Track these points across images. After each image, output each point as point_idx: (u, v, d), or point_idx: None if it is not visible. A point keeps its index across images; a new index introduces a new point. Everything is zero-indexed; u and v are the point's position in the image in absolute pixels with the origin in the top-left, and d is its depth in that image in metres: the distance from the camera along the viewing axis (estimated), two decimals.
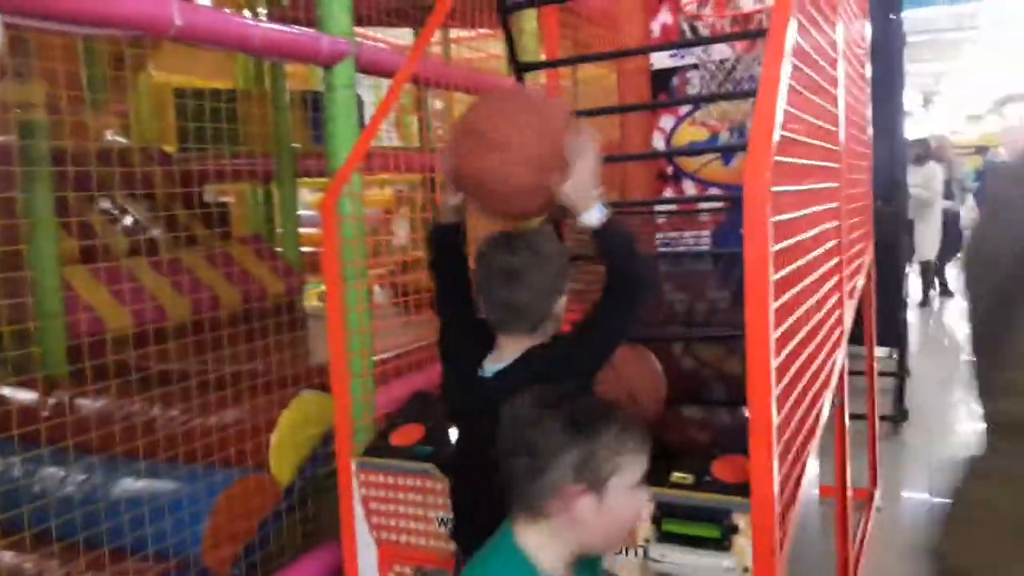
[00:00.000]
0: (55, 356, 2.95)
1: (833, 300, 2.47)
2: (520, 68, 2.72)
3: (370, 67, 2.51)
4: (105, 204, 3.77)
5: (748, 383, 1.58)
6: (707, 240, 3.68)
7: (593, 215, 1.58)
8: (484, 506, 1.46)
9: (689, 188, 3.92)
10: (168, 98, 6.09)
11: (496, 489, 1.32)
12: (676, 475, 1.74)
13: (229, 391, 2.39)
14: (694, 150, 3.75)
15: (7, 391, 2.72)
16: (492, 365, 1.65)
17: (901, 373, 4.80)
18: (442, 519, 1.94)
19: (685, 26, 3.76)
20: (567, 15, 3.53)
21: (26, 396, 2.73)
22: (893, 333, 4.71)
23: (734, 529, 1.66)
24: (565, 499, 1.19)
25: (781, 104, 1.73)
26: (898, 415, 4.67)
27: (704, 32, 3.71)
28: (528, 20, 3.59)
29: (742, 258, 1.67)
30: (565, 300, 1.68)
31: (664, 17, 3.94)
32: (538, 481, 1.20)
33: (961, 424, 4.80)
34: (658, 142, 3.96)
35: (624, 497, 1.22)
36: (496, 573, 1.25)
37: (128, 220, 3.71)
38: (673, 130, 3.94)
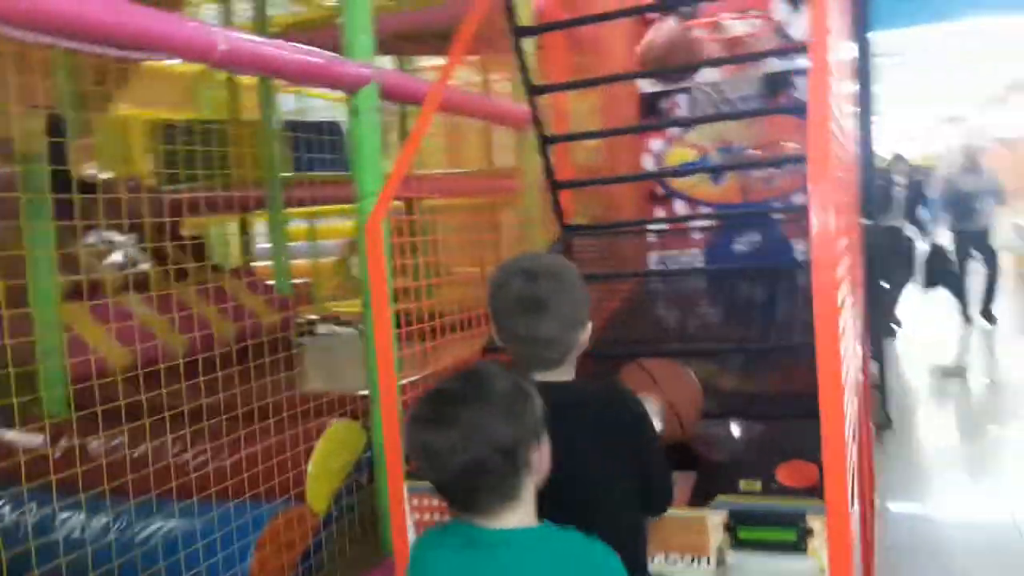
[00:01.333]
0: (57, 397, 2.85)
1: (852, 312, 2.53)
2: (532, 90, 2.76)
3: (392, 93, 2.52)
4: (92, 238, 3.67)
5: (821, 390, 1.60)
6: (699, 258, 3.73)
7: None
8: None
9: (680, 208, 3.99)
10: (136, 130, 6.01)
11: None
12: (744, 483, 1.76)
13: (257, 425, 2.34)
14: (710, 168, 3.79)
15: (12, 435, 2.61)
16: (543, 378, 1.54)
17: (883, 384, 4.95)
18: None
19: None
20: (558, 39, 3.57)
21: (30, 440, 2.62)
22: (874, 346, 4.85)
23: (809, 532, 1.68)
24: (532, 466, 1.22)
25: (829, 115, 1.78)
26: (884, 421, 4.83)
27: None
28: (527, 44, 3.63)
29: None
30: (589, 328, 1.59)
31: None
32: (513, 468, 1.20)
33: (932, 434, 4.97)
34: (648, 164, 4.04)
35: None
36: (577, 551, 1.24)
37: (118, 255, 3.62)
38: (663, 152, 4.02)
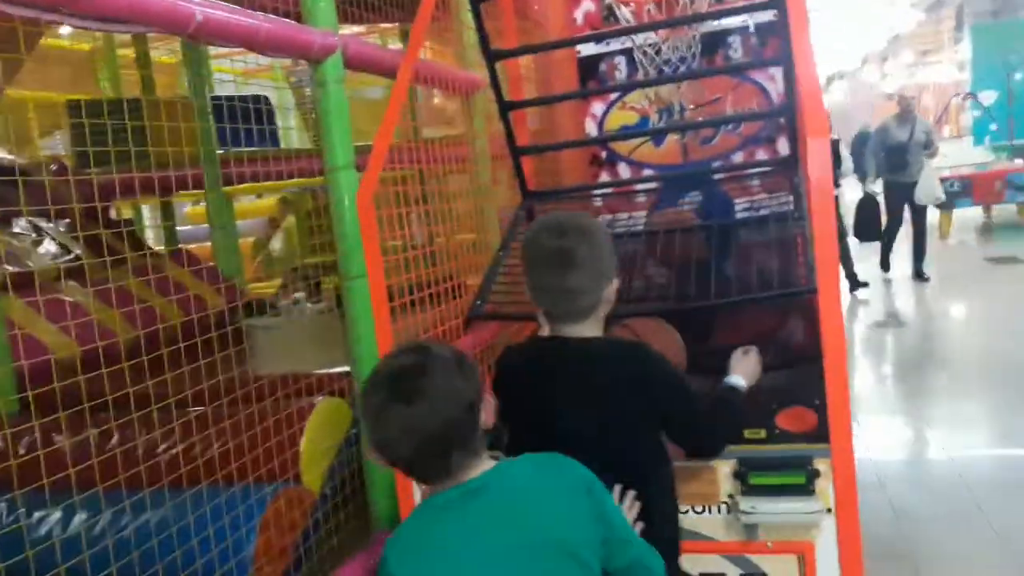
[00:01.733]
0: (8, 395, 2.70)
1: None
2: (492, 56, 2.74)
3: (354, 62, 2.45)
4: (17, 227, 3.47)
5: (824, 335, 1.67)
6: (644, 220, 3.79)
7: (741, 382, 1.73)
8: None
9: (624, 171, 4.05)
10: (27, 113, 5.69)
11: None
12: (748, 431, 1.84)
13: (242, 411, 2.28)
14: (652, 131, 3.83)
15: None
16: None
17: None
18: None
19: (616, 12, 3.88)
20: (507, 6, 3.55)
21: None
22: None
23: (816, 474, 1.77)
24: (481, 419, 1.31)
25: (816, 72, 1.84)
26: None
27: (627, 16, 3.85)
28: (466, 14, 3.59)
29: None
30: (616, 284, 1.64)
31: (587, 5, 4.06)
32: (475, 422, 1.29)
33: (866, 380, 5.23)
34: (591, 128, 4.07)
35: None
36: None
37: (49, 243, 3.43)
38: (604, 115, 4.06)
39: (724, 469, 1.83)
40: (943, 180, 9.20)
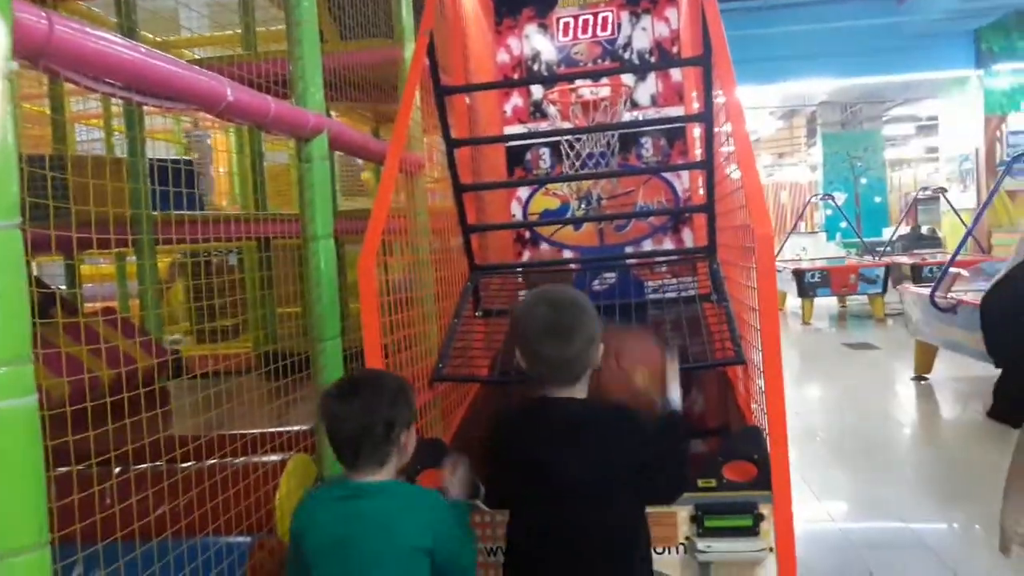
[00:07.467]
0: None
1: None
2: (451, 144, 3.00)
3: (336, 142, 2.66)
4: None
5: (768, 399, 1.99)
6: None
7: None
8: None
9: (545, 250, 4.38)
10: None
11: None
12: (701, 481, 2.11)
13: (217, 461, 2.36)
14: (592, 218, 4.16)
15: None
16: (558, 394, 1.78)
17: None
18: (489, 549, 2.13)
19: (542, 108, 4.26)
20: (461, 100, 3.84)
21: None
22: None
23: (761, 517, 2.06)
24: (401, 443, 1.69)
25: (761, 187, 2.21)
26: None
27: (554, 113, 4.24)
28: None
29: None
30: (602, 348, 1.81)
31: (515, 100, 4.43)
32: (387, 439, 1.66)
33: None
34: (516, 210, 4.39)
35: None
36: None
37: None
38: (529, 199, 4.40)
39: (683, 514, 2.09)
40: (805, 272, 10.08)
